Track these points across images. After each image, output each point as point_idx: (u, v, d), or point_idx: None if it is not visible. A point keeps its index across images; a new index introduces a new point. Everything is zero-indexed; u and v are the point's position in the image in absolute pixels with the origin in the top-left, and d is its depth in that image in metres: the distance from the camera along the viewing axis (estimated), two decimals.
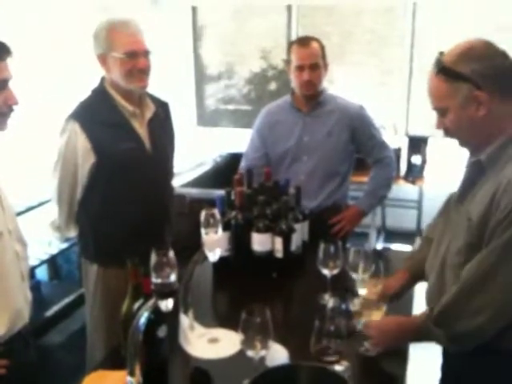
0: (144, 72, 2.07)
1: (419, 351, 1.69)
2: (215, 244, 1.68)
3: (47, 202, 3.02)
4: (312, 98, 2.61)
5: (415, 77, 4.94)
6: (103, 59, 2.06)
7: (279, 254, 2.08)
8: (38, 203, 3.32)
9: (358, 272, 1.69)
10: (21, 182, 3.13)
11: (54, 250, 3.39)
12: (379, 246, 4.81)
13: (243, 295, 1.95)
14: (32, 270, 3.15)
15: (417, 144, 4.56)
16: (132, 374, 1.26)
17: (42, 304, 3.29)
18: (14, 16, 3.37)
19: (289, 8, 5.18)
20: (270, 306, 1.34)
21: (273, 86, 5.55)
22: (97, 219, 2.18)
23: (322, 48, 2.55)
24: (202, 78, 5.69)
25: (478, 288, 1.33)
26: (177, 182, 3.28)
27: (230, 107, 5.75)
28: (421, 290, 1.66)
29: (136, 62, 2.03)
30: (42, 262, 3.35)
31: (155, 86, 2.27)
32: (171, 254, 1.27)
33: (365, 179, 2.88)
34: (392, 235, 5.07)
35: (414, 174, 4.54)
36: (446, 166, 4.48)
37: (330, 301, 1.50)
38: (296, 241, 2.12)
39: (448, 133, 1.44)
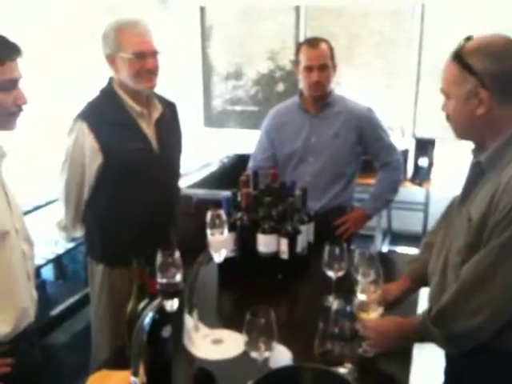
0: (152, 72, 2.07)
1: (423, 353, 1.69)
2: (221, 245, 1.68)
3: (54, 202, 3.03)
4: (320, 99, 2.61)
5: (423, 79, 4.93)
6: (112, 59, 2.07)
7: (284, 256, 2.08)
8: (45, 202, 3.33)
9: (363, 275, 1.69)
10: (28, 182, 3.15)
11: (60, 250, 3.40)
12: (385, 248, 4.80)
13: (248, 296, 1.95)
14: (38, 269, 3.17)
15: (424, 146, 4.55)
16: (136, 373, 1.26)
17: (47, 303, 3.29)
18: (22, 16, 3.38)
19: (297, 9, 5.18)
20: (275, 307, 1.35)
21: (280, 87, 5.54)
22: (103, 219, 2.19)
23: (331, 49, 2.56)
24: (209, 78, 5.70)
25: (477, 288, 1.33)
26: (183, 183, 3.29)
27: (238, 108, 5.75)
28: (425, 293, 1.66)
29: (144, 63, 2.03)
30: (48, 262, 3.36)
31: (163, 87, 2.28)
32: (177, 254, 1.28)
33: (372, 181, 2.87)
34: (398, 238, 5.05)
35: (421, 176, 4.53)
36: (453, 168, 4.46)
37: (334, 303, 1.49)
38: (301, 242, 2.12)
39: (448, 119, 1.45)
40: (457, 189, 1.52)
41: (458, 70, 1.35)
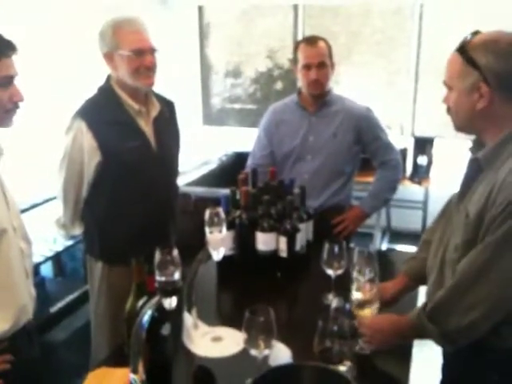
0: (150, 70, 2.07)
1: (423, 351, 1.69)
2: (219, 243, 1.68)
3: (52, 199, 3.03)
4: (319, 98, 2.61)
5: (422, 78, 4.93)
6: (110, 57, 2.06)
7: (283, 254, 2.08)
8: (42, 200, 3.34)
9: (359, 273, 1.68)
10: (26, 179, 3.15)
11: (59, 247, 3.40)
12: (384, 246, 4.80)
13: (247, 294, 1.95)
14: (37, 266, 3.17)
15: (423, 145, 4.55)
16: (135, 371, 1.26)
17: (47, 301, 3.29)
18: (22, 14, 3.38)
19: (295, 8, 5.18)
20: (274, 305, 1.35)
21: (279, 85, 5.55)
22: (102, 217, 2.18)
23: (329, 48, 2.55)
24: (208, 77, 5.70)
25: (472, 284, 1.33)
26: (182, 181, 3.29)
27: (236, 106, 5.75)
28: (424, 291, 1.65)
29: (142, 60, 2.03)
30: (47, 259, 3.36)
31: (162, 85, 2.27)
32: (175, 252, 1.28)
33: (371, 179, 2.86)
34: (397, 236, 5.05)
35: (420, 174, 4.53)
36: (452, 166, 4.46)
37: (333, 301, 1.49)
38: (300, 240, 2.12)
39: (449, 111, 1.45)
40: (456, 187, 1.52)
41: (462, 64, 1.36)
